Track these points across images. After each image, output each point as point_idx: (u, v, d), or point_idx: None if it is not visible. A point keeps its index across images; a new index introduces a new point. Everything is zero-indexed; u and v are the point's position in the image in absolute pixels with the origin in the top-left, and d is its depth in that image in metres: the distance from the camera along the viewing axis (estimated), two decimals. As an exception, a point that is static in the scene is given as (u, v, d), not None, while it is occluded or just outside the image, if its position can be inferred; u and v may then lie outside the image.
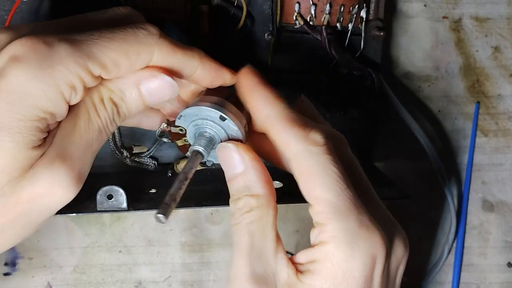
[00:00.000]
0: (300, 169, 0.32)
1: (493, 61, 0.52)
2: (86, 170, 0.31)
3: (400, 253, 0.34)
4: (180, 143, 0.37)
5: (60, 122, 0.30)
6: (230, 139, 0.34)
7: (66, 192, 0.29)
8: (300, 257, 0.33)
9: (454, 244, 0.54)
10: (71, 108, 0.30)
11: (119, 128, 0.44)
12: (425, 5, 0.50)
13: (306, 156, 0.32)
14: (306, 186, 0.32)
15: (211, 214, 0.52)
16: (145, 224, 0.51)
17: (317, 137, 0.32)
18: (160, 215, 0.30)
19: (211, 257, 0.52)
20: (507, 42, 0.51)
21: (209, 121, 0.34)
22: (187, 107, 0.34)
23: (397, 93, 0.51)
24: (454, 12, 0.50)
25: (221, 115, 0.33)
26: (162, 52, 0.31)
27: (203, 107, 0.33)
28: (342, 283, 0.31)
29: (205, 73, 0.33)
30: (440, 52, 0.51)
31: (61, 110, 0.29)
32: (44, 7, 0.40)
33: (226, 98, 0.34)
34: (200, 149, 0.33)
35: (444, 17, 0.50)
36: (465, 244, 0.54)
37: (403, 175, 0.52)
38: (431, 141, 0.48)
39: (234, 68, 0.36)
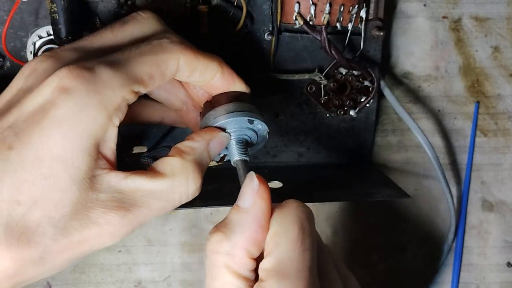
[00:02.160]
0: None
1: (492, 61, 0.52)
2: (135, 229, 0.31)
3: None
4: None
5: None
6: (256, 132, 0.37)
7: (112, 241, 0.30)
8: None
9: (454, 244, 0.54)
10: (156, 173, 0.31)
11: (119, 128, 0.43)
12: (424, 5, 0.50)
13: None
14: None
15: (211, 214, 0.52)
16: (145, 224, 0.51)
17: None
18: None
19: (210, 257, 0.52)
20: (506, 42, 0.51)
21: (239, 127, 0.36)
22: (208, 125, 0.36)
23: (397, 93, 0.51)
24: (453, 12, 0.50)
25: (248, 119, 0.35)
26: (187, 58, 0.33)
27: (232, 119, 0.35)
28: None
29: (223, 78, 0.35)
30: (440, 52, 0.51)
31: (111, 134, 0.30)
32: (44, 8, 0.40)
33: (236, 97, 0.36)
34: (246, 158, 0.35)
35: (444, 17, 0.50)
36: (465, 244, 0.54)
37: (403, 175, 0.52)
38: (430, 141, 0.48)
39: (234, 68, 0.37)
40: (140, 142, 0.46)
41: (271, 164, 0.49)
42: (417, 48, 0.51)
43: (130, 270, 0.52)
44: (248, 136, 0.37)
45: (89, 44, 0.32)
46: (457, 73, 0.52)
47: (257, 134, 0.37)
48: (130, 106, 0.31)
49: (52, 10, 0.36)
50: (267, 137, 0.38)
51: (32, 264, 0.28)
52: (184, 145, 0.33)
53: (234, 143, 0.36)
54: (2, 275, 0.28)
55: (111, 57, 0.30)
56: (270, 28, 0.44)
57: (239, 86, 0.36)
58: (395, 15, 0.50)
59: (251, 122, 0.35)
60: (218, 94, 0.36)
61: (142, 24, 0.34)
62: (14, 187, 0.27)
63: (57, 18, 0.36)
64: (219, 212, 0.51)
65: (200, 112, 0.38)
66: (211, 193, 0.42)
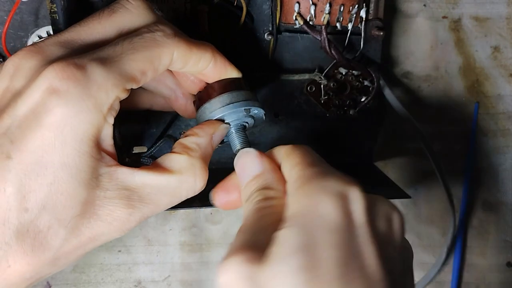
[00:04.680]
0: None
1: (492, 61, 0.52)
2: (141, 222, 0.32)
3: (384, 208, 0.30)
4: None
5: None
6: (253, 117, 0.37)
7: (120, 234, 0.31)
8: None
9: (454, 244, 0.54)
10: (163, 170, 0.32)
11: (119, 128, 0.44)
12: (424, 5, 0.50)
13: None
14: None
15: (211, 213, 0.52)
16: (145, 223, 0.51)
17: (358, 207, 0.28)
18: None
19: (210, 257, 0.52)
20: (506, 42, 0.51)
21: (237, 117, 0.36)
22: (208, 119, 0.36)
23: (397, 93, 0.51)
24: (453, 12, 0.50)
25: (245, 108, 0.36)
26: (180, 51, 0.32)
27: (229, 111, 0.35)
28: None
29: (216, 67, 0.35)
30: (440, 52, 0.51)
31: (108, 132, 0.30)
32: (44, 8, 0.40)
33: (231, 86, 0.36)
34: (247, 146, 0.36)
35: (444, 17, 0.50)
36: (465, 244, 0.54)
37: (403, 175, 0.52)
38: (431, 141, 0.48)
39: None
40: (140, 142, 0.46)
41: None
42: (417, 48, 0.51)
43: (130, 270, 0.52)
44: (246, 122, 0.37)
45: (76, 37, 0.31)
46: (457, 73, 0.52)
47: (253, 118, 0.38)
48: None
49: (52, 10, 0.36)
50: (264, 118, 0.39)
51: (47, 265, 0.29)
52: (189, 141, 0.34)
53: (234, 132, 0.37)
54: (19, 279, 0.29)
55: (102, 52, 0.29)
56: (270, 28, 0.44)
57: (231, 72, 0.36)
58: (395, 15, 0.50)
59: (247, 111, 0.36)
60: (212, 84, 0.36)
61: (132, 12, 0.32)
62: (21, 196, 0.27)
63: (57, 18, 0.36)
64: (219, 212, 0.51)
65: (194, 101, 0.38)
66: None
